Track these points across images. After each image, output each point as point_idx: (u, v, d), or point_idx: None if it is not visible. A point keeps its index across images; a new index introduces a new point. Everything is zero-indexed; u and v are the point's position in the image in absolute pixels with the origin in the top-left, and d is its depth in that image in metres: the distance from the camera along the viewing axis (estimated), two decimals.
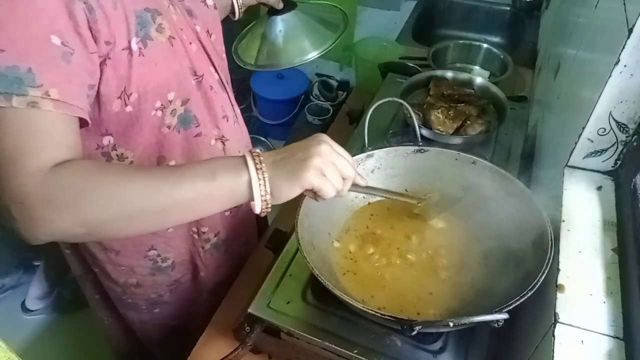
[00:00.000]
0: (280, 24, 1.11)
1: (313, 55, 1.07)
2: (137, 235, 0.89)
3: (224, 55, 0.96)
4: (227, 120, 0.91)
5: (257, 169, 0.60)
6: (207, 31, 0.88)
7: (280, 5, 1.09)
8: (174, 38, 0.75)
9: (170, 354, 1.21)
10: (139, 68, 0.70)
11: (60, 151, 0.58)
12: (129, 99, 0.71)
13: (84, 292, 1.15)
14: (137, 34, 0.69)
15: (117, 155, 0.78)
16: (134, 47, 0.69)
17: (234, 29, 1.17)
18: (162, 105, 0.77)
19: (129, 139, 0.77)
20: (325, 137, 0.66)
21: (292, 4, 1.11)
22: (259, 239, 1.11)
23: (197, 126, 0.84)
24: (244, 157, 0.61)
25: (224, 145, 0.92)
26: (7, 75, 0.54)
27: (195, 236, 0.97)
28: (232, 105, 0.94)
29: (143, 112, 0.75)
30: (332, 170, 0.64)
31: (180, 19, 0.80)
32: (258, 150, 0.63)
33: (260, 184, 0.60)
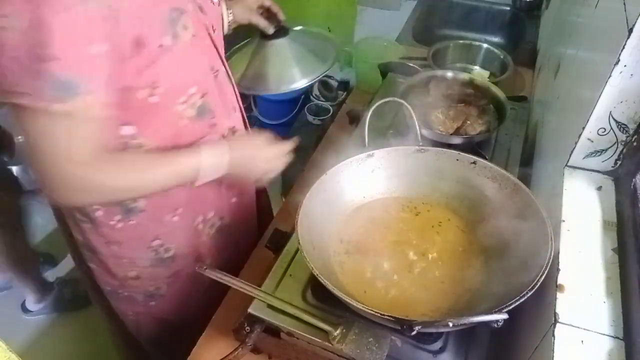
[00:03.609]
0: (269, 48, 1.13)
1: (299, 85, 1.09)
2: (141, 227, 0.93)
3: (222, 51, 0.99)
4: (235, 111, 0.97)
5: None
6: (212, 27, 0.90)
7: (271, 31, 1.11)
8: (194, 35, 0.79)
9: (162, 350, 1.21)
10: (169, 64, 0.74)
11: (97, 146, 0.71)
12: (154, 91, 0.76)
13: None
14: (168, 32, 0.73)
15: (135, 144, 0.81)
16: (167, 42, 0.73)
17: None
18: (184, 100, 0.81)
19: (149, 128, 0.80)
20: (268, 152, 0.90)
21: (284, 31, 1.12)
22: (259, 237, 1.11)
23: (212, 117, 0.88)
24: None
25: (234, 136, 0.96)
26: (63, 82, 0.63)
27: (200, 226, 0.99)
28: (237, 96, 0.99)
29: (166, 105, 0.79)
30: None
31: (195, 16, 0.82)
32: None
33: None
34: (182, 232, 0.98)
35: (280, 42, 1.12)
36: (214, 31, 0.90)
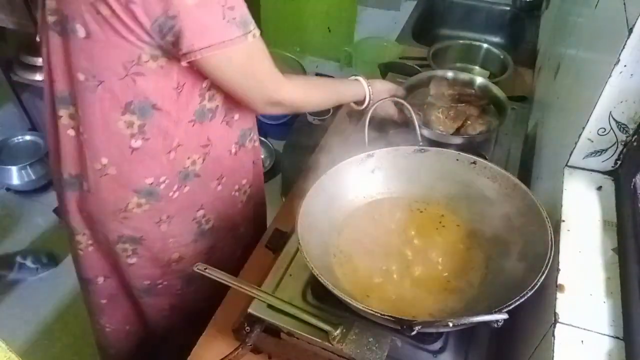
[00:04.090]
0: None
1: None
2: (192, 194, 0.98)
3: None
4: None
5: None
6: None
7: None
8: None
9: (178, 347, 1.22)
10: None
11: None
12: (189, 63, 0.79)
13: (85, 303, 1.16)
14: None
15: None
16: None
17: None
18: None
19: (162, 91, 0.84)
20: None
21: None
22: (258, 237, 1.12)
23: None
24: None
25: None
26: (244, 21, 0.76)
27: (237, 193, 1.05)
28: None
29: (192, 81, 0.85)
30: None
31: None
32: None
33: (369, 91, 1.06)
34: (221, 202, 1.03)
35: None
36: None
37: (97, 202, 0.92)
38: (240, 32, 0.75)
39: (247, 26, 0.76)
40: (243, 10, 0.76)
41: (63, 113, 0.86)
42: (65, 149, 0.89)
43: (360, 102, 1.06)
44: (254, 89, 0.85)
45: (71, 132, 0.87)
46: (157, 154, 0.87)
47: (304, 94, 0.93)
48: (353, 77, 1.09)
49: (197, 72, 0.81)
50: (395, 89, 1.13)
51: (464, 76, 1.23)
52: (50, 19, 0.79)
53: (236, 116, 0.96)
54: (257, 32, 0.78)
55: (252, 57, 0.80)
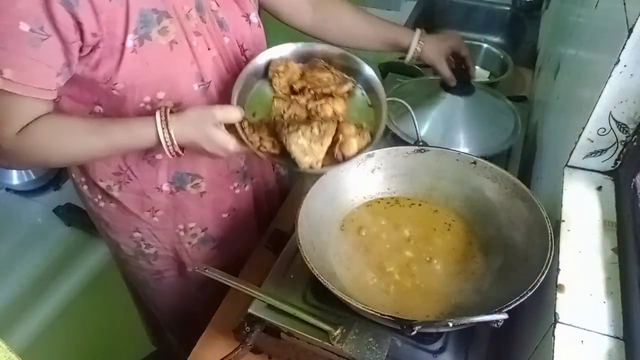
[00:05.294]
0: (447, 101, 1.01)
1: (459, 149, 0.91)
2: (120, 213, 0.95)
3: None
4: None
5: (162, 127, 0.73)
6: (242, 45, 0.87)
7: (452, 84, 1.01)
8: (176, 43, 0.76)
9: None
10: (129, 64, 0.73)
11: (27, 120, 0.72)
12: (114, 87, 0.75)
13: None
14: (136, 32, 0.71)
15: None
16: (129, 43, 0.71)
17: None
18: (150, 100, 0.78)
19: (116, 112, 0.79)
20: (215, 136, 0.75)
21: (469, 88, 1.01)
22: (259, 237, 1.11)
23: None
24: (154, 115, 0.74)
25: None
26: None
27: (182, 233, 0.98)
28: None
29: (130, 100, 0.77)
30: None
31: (202, 26, 0.80)
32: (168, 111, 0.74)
33: (165, 136, 0.74)
34: (163, 235, 0.98)
35: (461, 100, 1.01)
36: (243, 51, 0.88)
37: None
38: None
39: None
40: None
41: None
42: None
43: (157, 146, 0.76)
44: None
45: None
46: None
47: (24, 144, 0.73)
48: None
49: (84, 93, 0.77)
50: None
51: (307, 48, 0.89)
52: None
53: (158, 156, 0.87)
54: None
55: None
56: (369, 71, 0.86)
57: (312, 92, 0.82)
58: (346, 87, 0.84)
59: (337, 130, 0.78)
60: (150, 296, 1.13)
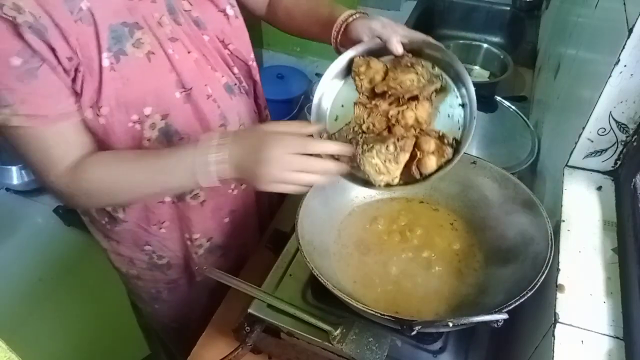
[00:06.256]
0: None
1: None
2: (129, 232, 0.94)
3: (252, 63, 0.92)
4: (227, 127, 0.86)
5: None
6: (223, 41, 0.85)
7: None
8: (153, 53, 0.73)
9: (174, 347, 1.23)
10: (110, 83, 0.70)
11: (72, 154, 0.72)
12: (100, 111, 0.72)
13: None
14: (110, 49, 0.69)
15: None
16: (105, 62, 0.69)
17: None
18: (138, 119, 0.76)
19: (106, 148, 0.77)
20: (272, 138, 0.68)
21: (494, 105, 0.94)
22: (259, 237, 1.11)
23: (180, 139, 0.81)
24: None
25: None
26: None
27: (189, 242, 0.98)
28: (254, 109, 0.97)
29: (118, 124, 0.75)
30: (290, 176, 0.67)
31: (177, 30, 0.76)
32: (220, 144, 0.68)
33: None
34: (172, 245, 0.97)
35: (485, 117, 0.95)
36: (225, 45, 0.85)
37: None
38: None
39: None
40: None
41: None
42: None
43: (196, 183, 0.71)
44: (30, 167, 0.75)
45: None
46: None
47: (75, 187, 0.73)
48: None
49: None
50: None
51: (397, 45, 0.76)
52: None
53: None
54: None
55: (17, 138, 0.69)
56: (459, 66, 0.74)
57: (393, 97, 0.74)
58: (432, 88, 0.74)
59: (415, 145, 0.72)
60: (160, 310, 1.12)
